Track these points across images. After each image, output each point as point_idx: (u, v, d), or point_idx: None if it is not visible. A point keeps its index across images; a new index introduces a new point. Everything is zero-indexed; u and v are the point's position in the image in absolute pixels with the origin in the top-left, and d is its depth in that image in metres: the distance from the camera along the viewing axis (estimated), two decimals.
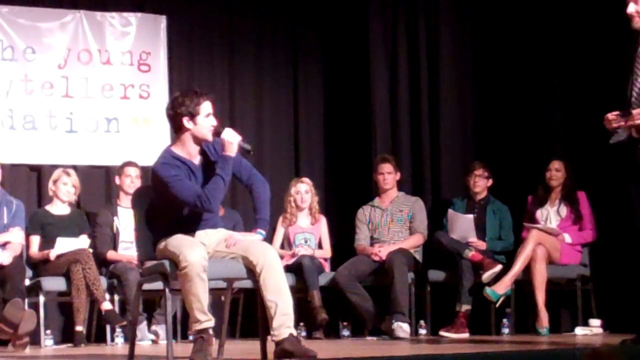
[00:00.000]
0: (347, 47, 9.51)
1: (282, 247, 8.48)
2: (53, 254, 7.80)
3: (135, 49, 9.01)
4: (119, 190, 8.37)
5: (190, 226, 5.47)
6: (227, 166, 5.44)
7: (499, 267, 7.93)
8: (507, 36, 9.08)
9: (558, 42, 8.75)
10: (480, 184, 8.52)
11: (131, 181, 8.20)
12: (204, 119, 5.44)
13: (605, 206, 8.13)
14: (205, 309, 5.29)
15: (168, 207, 5.46)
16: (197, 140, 5.48)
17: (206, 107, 5.46)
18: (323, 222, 8.59)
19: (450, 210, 8.42)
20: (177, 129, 5.51)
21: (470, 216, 8.31)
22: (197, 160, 5.52)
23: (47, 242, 7.95)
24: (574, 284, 8.18)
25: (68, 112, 8.79)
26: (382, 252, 8.17)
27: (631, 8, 5.75)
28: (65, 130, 8.77)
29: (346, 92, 9.48)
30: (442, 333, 7.83)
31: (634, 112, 5.65)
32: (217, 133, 5.48)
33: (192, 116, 5.43)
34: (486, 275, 7.89)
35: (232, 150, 5.45)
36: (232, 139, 5.44)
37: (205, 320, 5.31)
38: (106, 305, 7.65)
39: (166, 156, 5.51)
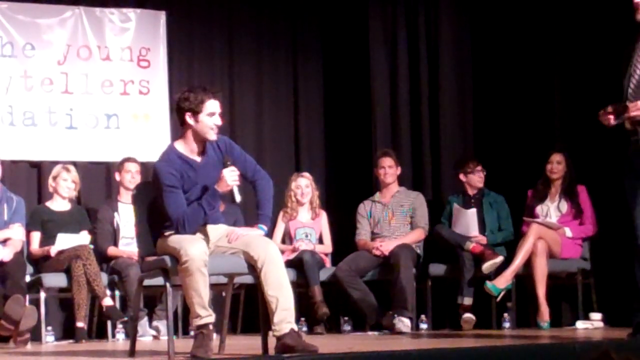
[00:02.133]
0: (347, 42, 9.50)
1: (282, 242, 8.48)
2: (54, 250, 7.81)
3: (135, 45, 9.00)
4: (119, 186, 8.37)
5: None
6: (212, 200, 5.44)
7: (499, 258, 7.94)
8: (506, 30, 9.08)
9: (558, 35, 8.75)
10: (482, 178, 8.52)
11: (131, 177, 8.19)
12: (207, 117, 5.43)
13: (606, 200, 8.13)
14: (206, 304, 5.29)
15: None
16: (199, 138, 5.48)
17: (211, 106, 5.44)
18: (324, 217, 8.59)
19: (455, 204, 8.41)
20: (181, 124, 5.52)
21: (473, 210, 8.31)
22: (199, 157, 5.51)
23: (48, 239, 7.95)
24: (575, 278, 8.18)
25: (68, 108, 8.78)
26: (384, 246, 8.18)
27: None
28: (65, 126, 8.76)
29: (346, 87, 9.48)
30: (465, 317, 7.88)
31: (630, 105, 5.65)
32: (224, 164, 5.47)
33: (195, 113, 5.42)
34: (487, 266, 7.90)
35: (223, 187, 5.43)
36: (230, 180, 5.42)
37: (205, 315, 5.31)
38: (107, 301, 7.65)
39: (169, 155, 5.50)
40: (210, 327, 5.35)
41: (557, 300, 8.27)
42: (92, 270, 7.61)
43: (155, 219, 5.55)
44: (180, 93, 5.55)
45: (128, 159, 8.31)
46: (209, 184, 5.47)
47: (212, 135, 5.46)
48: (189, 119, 5.44)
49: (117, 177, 8.35)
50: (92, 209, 8.41)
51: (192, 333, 6.09)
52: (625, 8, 5.79)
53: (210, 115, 5.43)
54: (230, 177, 5.41)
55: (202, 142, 5.51)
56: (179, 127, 5.64)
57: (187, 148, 5.51)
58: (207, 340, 5.31)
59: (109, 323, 7.91)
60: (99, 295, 7.64)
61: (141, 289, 6.02)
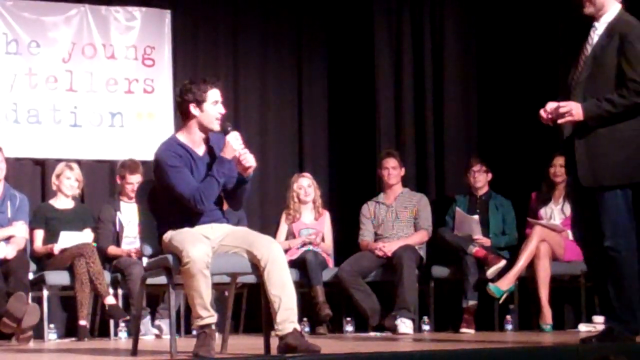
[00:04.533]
0: (351, 42, 9.50)
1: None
2: (57, 247, 7.81)
3: (140, 44, 9.01)
4: (121, 187, 8.34)
5: (195, 219, 5.45)
6: (222, 168, 5.40)
7: (503, 263, 7.94)
8: (511, 32, 9.08)
9: (562, 38, 8.74)
10: (481, 178, 8.52)
11: (133, 189, 8.04)
12: (211, 106, 5.44)
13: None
14: (207, 305, 5.28)
15: (172, 199, 5.45)
16: (203, 129, 5.47)
17: (213, 95, 5.45)
18: (327, 216, 8.59)
19: (458, 209, 8.41)
20: (184, 116, 5.49)
21: (476, 217, 8.31)
22: (201, 150, 5.51)
23: (51, 236, 7.95)
24: (578, 281, 8.17)
25: (72, 106, 8.79)
26: (387, 247, 8.18)
27: None
28: (69, 124, 8.77)
29: (351, 87, 9.48)
30: (463, 330, 7.87)
31: (561, 104, 5.50)
32: (224, 130, 5.47)
33: (199, 103, 5.42)
34: (491, 271, 7.90)
35: (229, 153, 5.41)
36: (234, 144, 5.41)
37: (207, 316, 5.29)
38: (110, 300, 7.65)
39: (170, 143, 5.50)
40: (213, 327, 5.35)
41: (559, 302, 8.26)
42: (95, 269, 7.61)
43: (160, 216, 5.53)
44: (181, 86, 5.55)
45: (132, 170, 8.18)
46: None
47: (217, 125, 5.46)
48: (193, 109, 5.43)
49: (119, 181, 8.32)
50: (95, 207, 8.40)
51: (194, 332, 6.09)
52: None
53: (214, 104, 5.45)
54: (236, 142, 5.41)
55: (205, 134, 5.50)
56: (181, 122, 5.61)
57: (189, 140, 5.49)
58: (209, 339, 5.30)
59: (111, 321, 7.91)
60: (102, 293, 7.64)
61: (144, 287, 6.02)
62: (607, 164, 5.44)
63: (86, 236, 7.96)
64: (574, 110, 5.44)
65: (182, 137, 5.52)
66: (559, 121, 5.52)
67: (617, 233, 5.45)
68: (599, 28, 5.56)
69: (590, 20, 5.61)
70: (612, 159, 5.44)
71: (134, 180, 8.15)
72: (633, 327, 5.53)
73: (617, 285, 5.51)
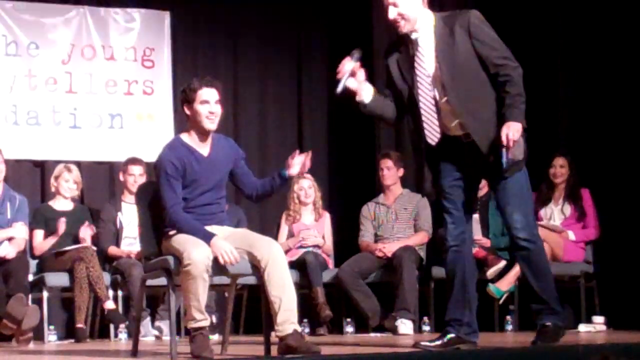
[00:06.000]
0: (351, 42, 9.46)
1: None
2: (61, 229, 7.79)
3: (139, 45, 9.02)
4: (123, 186, 8.35)
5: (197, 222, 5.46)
6: (199, 233, 5.35)
7: (502, 263, 7.94)
8: (510, 32, 9.04)
9: (562, 37, 8.74)
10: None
11: (134, 180, 8.10)
12: (200, 106, 5.43)
13: (609, 203, 8.13)
14: (202, 308, 5.29)
15: None
16: (198, 128, 5.48)
17: (203, 94, 5.44)
18: (327, 217, 8.59)
19: None
20: (185, 117, 5.56)
21: (475, 216, 8.30)
22: (205, 150, 5.51)
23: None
24: (578, 281, 8.17)
25: (72, 108, 8.80)
26: (387, 248, 8.17)
27: (392, 13, 5.29)
28: (68, 125, 8.78)
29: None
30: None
31: (506, 136, 5.33)
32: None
33: (190, 103, 5.46)
34: (491, 272, 7.90)
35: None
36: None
37: (201, 319, 5.30)
38: (109, 305, 7.62)
39: (174, 144, 5.53)
40: (207, 329, 5.36)
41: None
42: (95, 274, 7.60)
43: (160, 218, 5.54)
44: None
45: (133, 162, 8.26)
46: (211, 183, 5.49)
47: (208, 124, 5.45)
48: (187, 109, 5.49)
49: (121, 177, 8.34)
50: (95, 209, 8.40)
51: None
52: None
53: (202, 104, 5.43)
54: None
55: (204, 135, 5.50)
56: (186, 124, 5.65)
57: (192, 139, 5.52)
58: (206, 340, 5.31)
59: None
60: (101, 298, 7.62)
61: (144, 288, 6.02)
62: (493, 125, 5.36)
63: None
64: (511, 130, 5.40)
65: (185, 137, 5.55)
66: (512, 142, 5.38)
67: (529, 221, 5.43)
68: (422, 37, 5.37)
69: (402, 38, 5.40)
70: (494, 121, 5.37)
71: (136, 172, 8.17)
72: (563, 317, 5.53)
73: (541, 277, 5.46)
